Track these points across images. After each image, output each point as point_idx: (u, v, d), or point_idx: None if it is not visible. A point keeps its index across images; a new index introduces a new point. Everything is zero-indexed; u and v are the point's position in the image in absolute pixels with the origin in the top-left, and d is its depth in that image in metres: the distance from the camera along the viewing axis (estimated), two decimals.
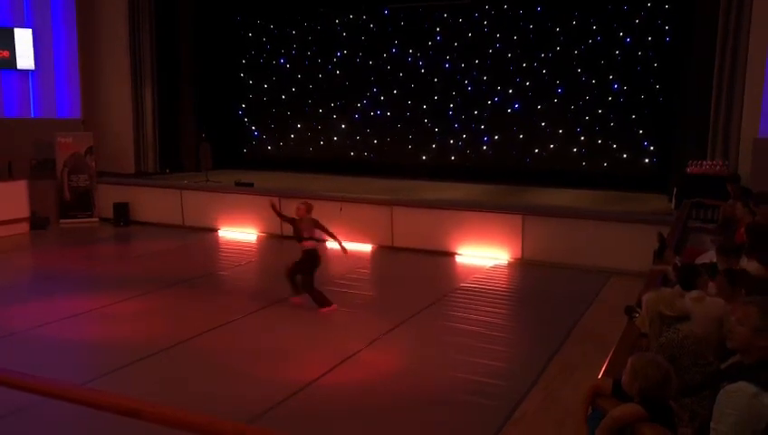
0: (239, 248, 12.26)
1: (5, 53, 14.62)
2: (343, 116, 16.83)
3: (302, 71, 17.14)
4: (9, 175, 13.59)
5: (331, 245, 12.19)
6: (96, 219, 14.30)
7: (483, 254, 11.29)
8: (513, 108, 15.07)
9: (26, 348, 7.15)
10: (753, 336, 3.19)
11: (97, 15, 15.70)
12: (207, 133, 16.35)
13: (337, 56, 16.74)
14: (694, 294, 4.45)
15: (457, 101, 15.59)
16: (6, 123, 14.51)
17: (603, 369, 3.87)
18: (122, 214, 14.12)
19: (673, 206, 11.16)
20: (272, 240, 12.90)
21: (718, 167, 10.91)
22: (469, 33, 15.31)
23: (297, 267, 8.41)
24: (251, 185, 13.90)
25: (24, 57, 14.79)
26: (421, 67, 15.88)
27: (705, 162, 11.10)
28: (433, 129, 15.91)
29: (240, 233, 13.26)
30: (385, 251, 11.92)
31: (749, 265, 5.46)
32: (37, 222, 13.55)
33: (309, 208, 8.49)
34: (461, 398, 6.02)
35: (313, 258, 8.32)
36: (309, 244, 8.34)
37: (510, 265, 11.06)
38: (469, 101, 15.46)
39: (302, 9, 16.74)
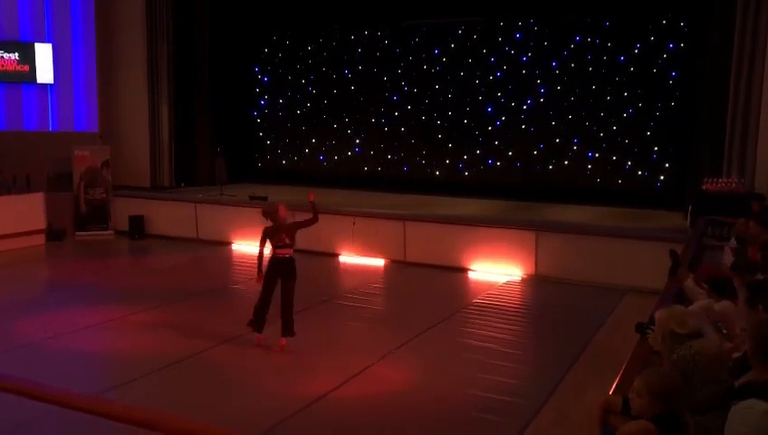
0: (252, 262, 12.27)
1: (25, 68, 14.86)
2: (357, 131, 16.91)
3: (317, 85, 17.26)
4: (27, 187, 13.74)
5: (343, 259, 12.35)
6: (111, 232, 14.41)
7: (496, 270, 11.26)
8: (527, 124, 15.07)
9: (41, 358, 7.21)
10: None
11: (115, 31, 15.93)
12: (223, 147, 16.48)
13: (351, 71, 16.86)
14: (709, 302, 4.45)
15: (471, 117, 15.61)
16: (25, 136, 14.72)
17: (614, 386, 3.86)
18: (137, 227, 14.23)
19: (688, 223, 11.10)
20: None
21: (734, 184, 10.85)
22: (483, 50, 15.36)
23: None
24: (265, 199, 13.97)
25: (44, 72, 15.03)
26: (435, 83, 15.94)
27: (720, 179, 11.04)
28: (446, 144, 15.94)
29: (254, 247, 13.25)
30: (397, 266, 11.93)
31: None
32: (53, 234, 13.68)
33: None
34: (473, 414, 5.99)
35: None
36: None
37: (523, 281, 11.03)
38: (483, 116, 15.48)
39: (318, 25, 16.88)
